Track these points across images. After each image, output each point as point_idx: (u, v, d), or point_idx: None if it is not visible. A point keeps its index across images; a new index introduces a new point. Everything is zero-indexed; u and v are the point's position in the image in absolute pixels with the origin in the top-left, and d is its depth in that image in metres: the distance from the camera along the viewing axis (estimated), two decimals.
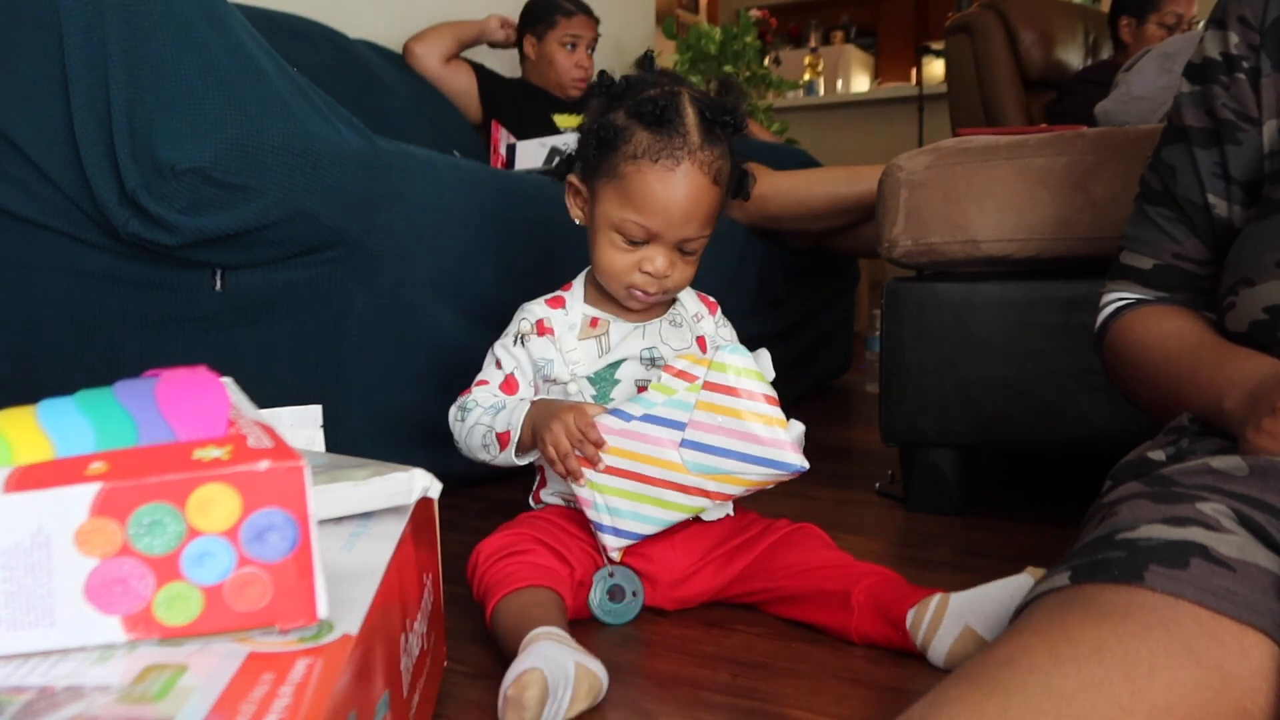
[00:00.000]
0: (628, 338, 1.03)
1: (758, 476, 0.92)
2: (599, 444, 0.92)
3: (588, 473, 0.93)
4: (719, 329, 1.11)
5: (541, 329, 1.03)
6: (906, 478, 1.42)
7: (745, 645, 0.92)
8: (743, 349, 0.92)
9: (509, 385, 1.03)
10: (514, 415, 0.97)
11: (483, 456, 1.00)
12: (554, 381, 1.02)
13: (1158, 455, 0.76)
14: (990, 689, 0.50)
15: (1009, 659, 0.52)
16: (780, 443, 0.89)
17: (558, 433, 0.92)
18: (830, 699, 0.80)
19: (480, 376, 1.04)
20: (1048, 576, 0.61)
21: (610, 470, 0.93)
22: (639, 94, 0.96)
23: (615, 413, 0.93)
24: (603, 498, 0.94)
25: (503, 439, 0.97)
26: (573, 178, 1.03)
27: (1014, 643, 0.54)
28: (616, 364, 1.02)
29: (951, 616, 0.83)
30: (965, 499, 1.39)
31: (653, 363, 1.02)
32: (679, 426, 0.91)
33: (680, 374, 0.92)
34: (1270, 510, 0.58)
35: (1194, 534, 0.56)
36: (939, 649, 0.84)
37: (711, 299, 1.12)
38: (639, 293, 0.99)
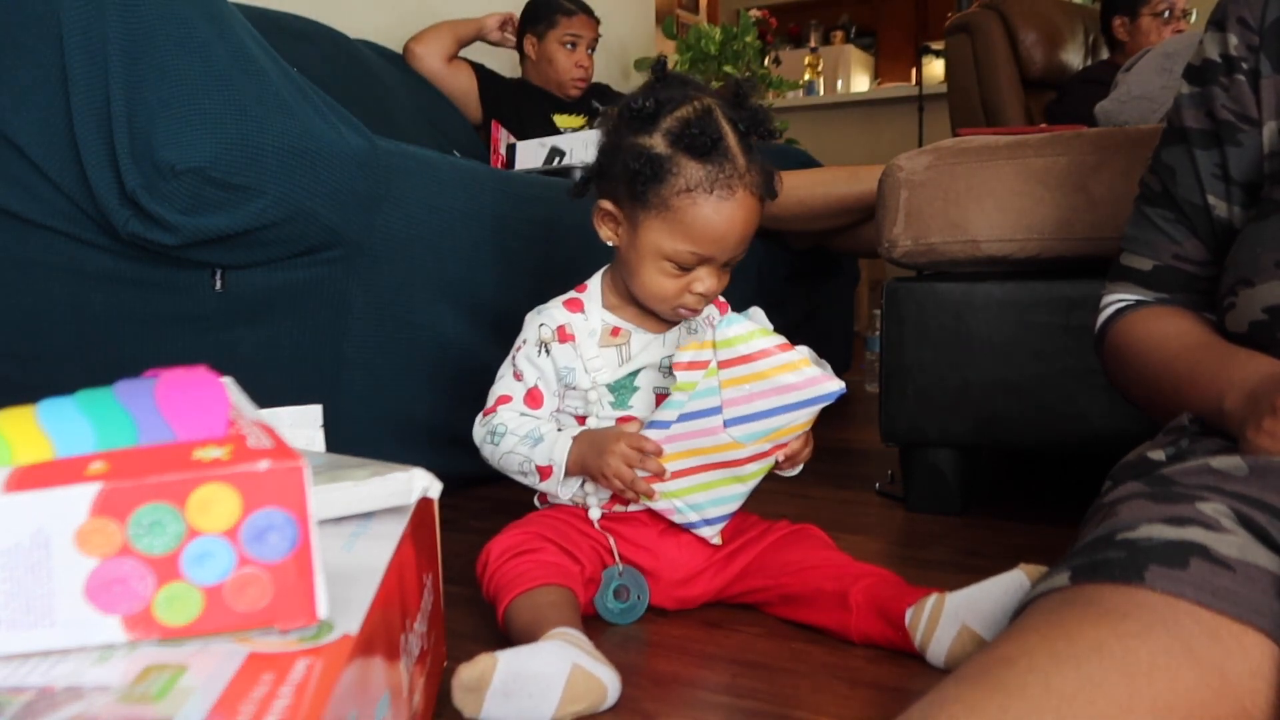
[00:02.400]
0: (648, 347, 1.02)
1: (807, 416, 0.93)
2: (658, 453, 0.92)
3: (657, 486, 0.94)
4: None
5: (563, 335, 1.00)
6: (906, 478, 1.42)
7: (745, 645, 0.92)
8: (736, 316, 0.93)
9: (533, 399, 1.01)
10: (555, 451, 0.96)
11: (518, 479, 1.00)
12: (575, 388, 1.00)
13: (1158, 455, 0.76)
14: (990, 689, 0.50)
15: (1009, 658, 0.52)
16: (814, 379, 0.90)
17: (617, 465, 0.92)
18: (830, 699, 0.80)
19: (500, 391, 1.02)
20: (1047, 576, 0.61)
21: (675, 475, 0.94)
22: (671, 114, 0.93)
23: (653, 426, 0.94)
24: (681, 500, 0.96)
25: (544, 471, 0.97)
26: (606, 204, 0.98)
27: (1014, 642, 0.54)
28: (635, 372, 1.01)
29: (949, 616, 0.83)
30: (965, 499, 1.39)
31: (670, 371, 1.01)
32: (716, 412, 0.92)
33: (691, 365, 0.93)
34: (1270, 510, 0.58)
35: (1194, 534, 0.56)
36: (938, 649, 0.84)
37: (722, 298, 1.11)
38: (686, 311, 0.99)
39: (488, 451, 1.01)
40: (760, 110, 0.96)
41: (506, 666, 0.73)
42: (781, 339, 0.91)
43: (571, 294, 1.04)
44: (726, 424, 0.92)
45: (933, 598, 0.85)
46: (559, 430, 0.99)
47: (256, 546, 0.48)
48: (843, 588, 0.90)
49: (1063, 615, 0.55)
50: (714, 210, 0.92)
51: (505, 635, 0.87)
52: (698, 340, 0.95)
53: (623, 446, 0.92)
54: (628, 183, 0.94)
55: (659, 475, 0.94)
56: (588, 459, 0.94)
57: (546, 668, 0.74)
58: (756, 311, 0.96)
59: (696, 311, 1.00)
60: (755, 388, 0.91)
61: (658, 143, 0.93)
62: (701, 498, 0.96)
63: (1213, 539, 0.56)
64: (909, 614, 0.86)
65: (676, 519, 0.97)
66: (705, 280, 0.96)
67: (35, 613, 0.47)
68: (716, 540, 0.99)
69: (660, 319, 1.02)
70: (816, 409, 0.93)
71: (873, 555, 1.17)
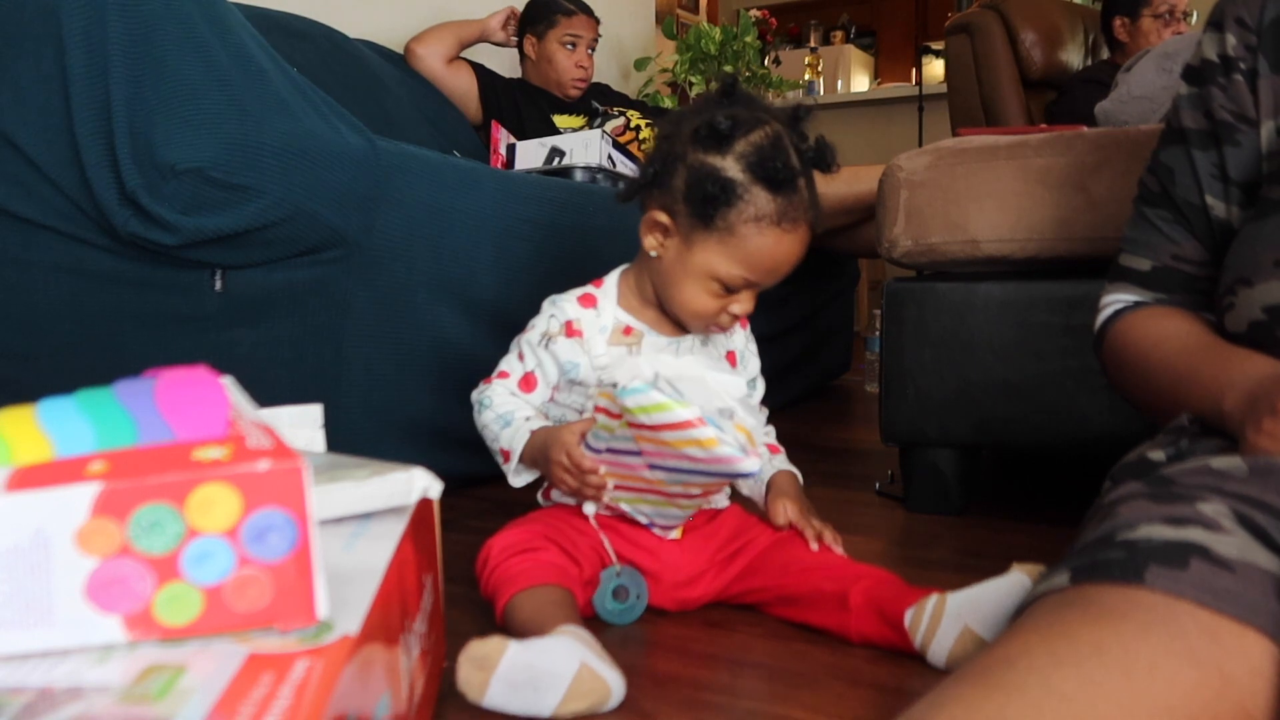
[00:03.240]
0: (659, 353, 1.01)
1: (726, 478, 0.90)
2: (594, 471, 0.92)
3: (606, 492, 0.94)
4: (748, 343, 1.11)
5: (570, 330, 1.01)
6: (906, 478, 1.42)
7: (745, 645, 0.92)
8: (642, 385, 0.84)
9: (527, 383, 1.03)
10: (515, 439, 0.98)
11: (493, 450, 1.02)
12: (579, 384, 1.01)
13: (1157, 455, 0.76)
14: (990, 689, 0.50)
15: (1008, 659, 0.52)
16: (723, 459, 0.84)
17: (559, 474, 0.93)
18: (830, 699, 0.80)
19: (504, 366, 1.04)
20: (1047, 577, 0.61)
21: (618, 487, 0.94)
22: (745, 137, 0.92)
23: (587, 445, 0.92)
24: (630, 505, 0.96)
25: (504, 454, 0.99)
26: (662, 216, 0.97)
27: (1013, 643, 0.54)
28: None
29: (950, 617, 0.83)
30: (965, 499, 1.39)
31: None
32: (637, 453, 0.89)
33: (606, 412, 0.88)
34: (1270, 511, 0.58)
35: (1194, 534, 0.56)
36: (939, 650, 0.84)
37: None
38: (717, 329, 1.00)
39: (475, 417, 1.03)
40: (824, 144, 0.96)
41: (515, 656, 0.73)
42: (692, 413, 0.82)
43: (588, 288, 1.04)
44: (649, 465, 0.90)
45: (933, 598, 0.85)
46: (527, 418, 1.00)
47: (256, 547, 0.48)
48: (842, 589, 0.90)
49: (1063, 615, 0.55)
50: (776, 241, 0.93)
51: (504, 631, 0.87)
52: (702, 348, 0.95)
53: (563, 459, 0.92)
54: (694, 201, 0.93)
55: (599, 488, 0.93)
56: (538, 459, 0.96)
57: (555, 663, 0.74)
58: (683, 366, 0.90)
59: (726, 329, 1.01)
60: (665, 449, 0.86)
61: (730, 166, 0.92)
62: (647, 508, 0.96)
63: (1213, 539, 0.56)
64: (909, 615, 0.85)
65: (635, 517, 0.97)
66: (745, 303, 0.98)
67: (35, 613, 0.47)
68: (675, 535, 0.99)
69: (668, 320, 1.03)
70: (733, 476, 0.88)
71: (873, 555, 1.17)
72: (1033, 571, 0.82)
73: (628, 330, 1.02)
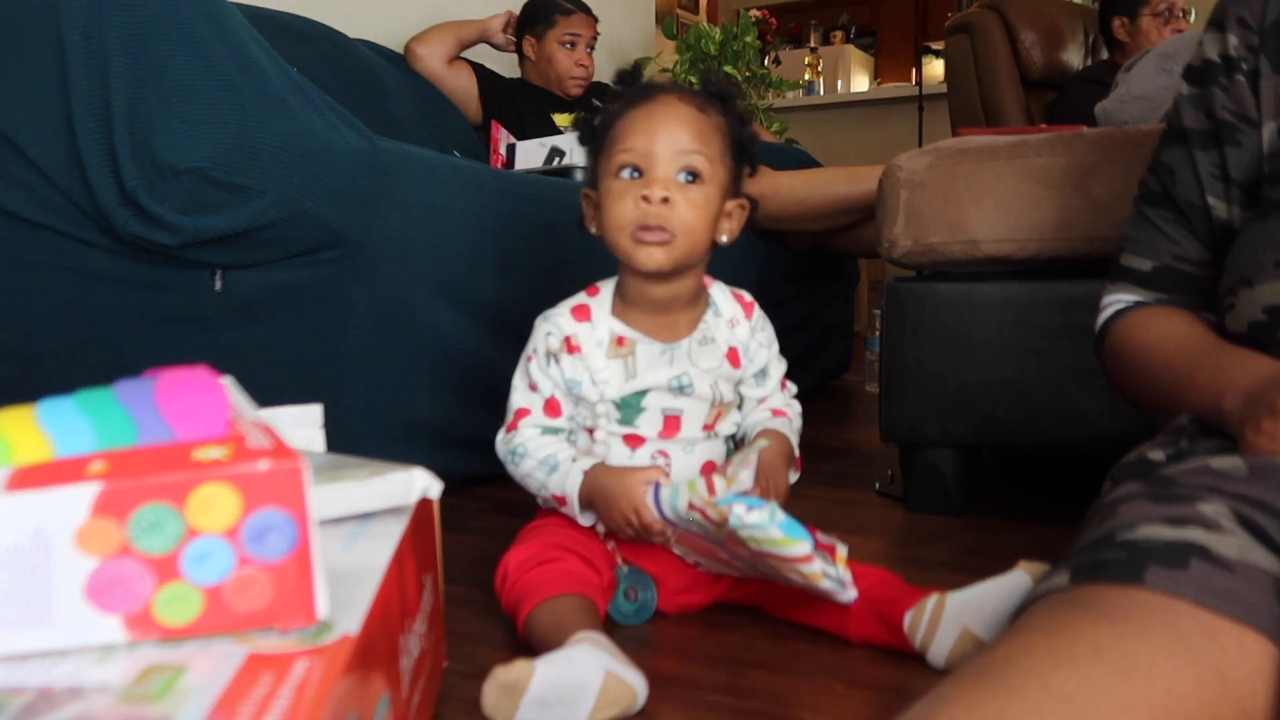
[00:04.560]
0: (654, 364, 0.98)
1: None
2: (662, 533, 0.91)
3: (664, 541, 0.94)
4: (755, 334, 1.04)
5: (570, 347, 0.98)
6: (906, 478, 1.42)
7: (745, 645, 0.92)
8: (760, 520, 0.80)
9: (551, 409, 0.99)
10: (568, 484, 0.95)
11: (544, 500, 1.00)
12: (583, 400, 0.98)
13: (1157, 455, 0.76)
14: (990, 689, 0.50)
15: (1009, 659, 0.52)
16: (821, 591, 0.85)
17: (621, 525, 0.92)
18: (830, 699, 0.80)
19: (518, 404, 1.00)
20: (1047, 577, 0.61)
21: (678, 543, 0.94)
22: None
23: (659, 509, 0.89)
24: (682, 552, 0.96)
25: (559, 500, 0.96)
26: (587, 191, 1.01)
27: (1013, 643, 0.54)
28: (643, 393, 0.98)
29: (949, 618, 0.83)
30: (965, 499, 1.39)
31: (681, 390, 0.98)
32: (720, 543, 0.88)
33: (703, 514, 0.84)
34: (1270, 511, 0.58)
35: (1194, 534, 0.56)
36: (939, 652, 0.83)
37: (748, 298, 1.06)
38: (647, 234, 0.93)
39: (510, 469, 1.00)
40: (717, 82, 1.02)
41: (544, 675, 0.72)
42: (804, 550, 0.80)
43: (581, 298, 1.01)
44: (729, 555, 0.90)
45: (933, 599, 0.85)
46: (573, 458, 0.96)
47: (256, 547, 0.48)
48: None
49: (1062, 616, 0.55)
50: (640, 112, 0.96)
51: (525, 644, 0.87)
52: (700, 349, 0.95)
53: (625, 511, 0.90)
54: (589, 146, 1.01)
55: (661, 541, 0.93)
56: (596, 503, 0.94)
57: (581, 674, 0.73)
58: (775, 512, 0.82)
59: (655, 231, 0.93)
60: (760, 558, 0.84)
61: (608, 109, 1.00)
62: (699, 559, 0.96)
63: (1213, 539, 0.56)
64: (908, 617, 0.85)
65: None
66: (652, 186, 0.92)
67: (35, 613, 0.47)
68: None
69: (676, 326, 1.00)
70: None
71: (873, 555, 1.17)
72: (1036, 570, 0.82)
73: (621, 341, 0.99)
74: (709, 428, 1.01)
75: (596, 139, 0.99)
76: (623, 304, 1.00)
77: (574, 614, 0.85)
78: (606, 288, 1.02)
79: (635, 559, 0.97)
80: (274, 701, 0.43)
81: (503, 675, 0.72)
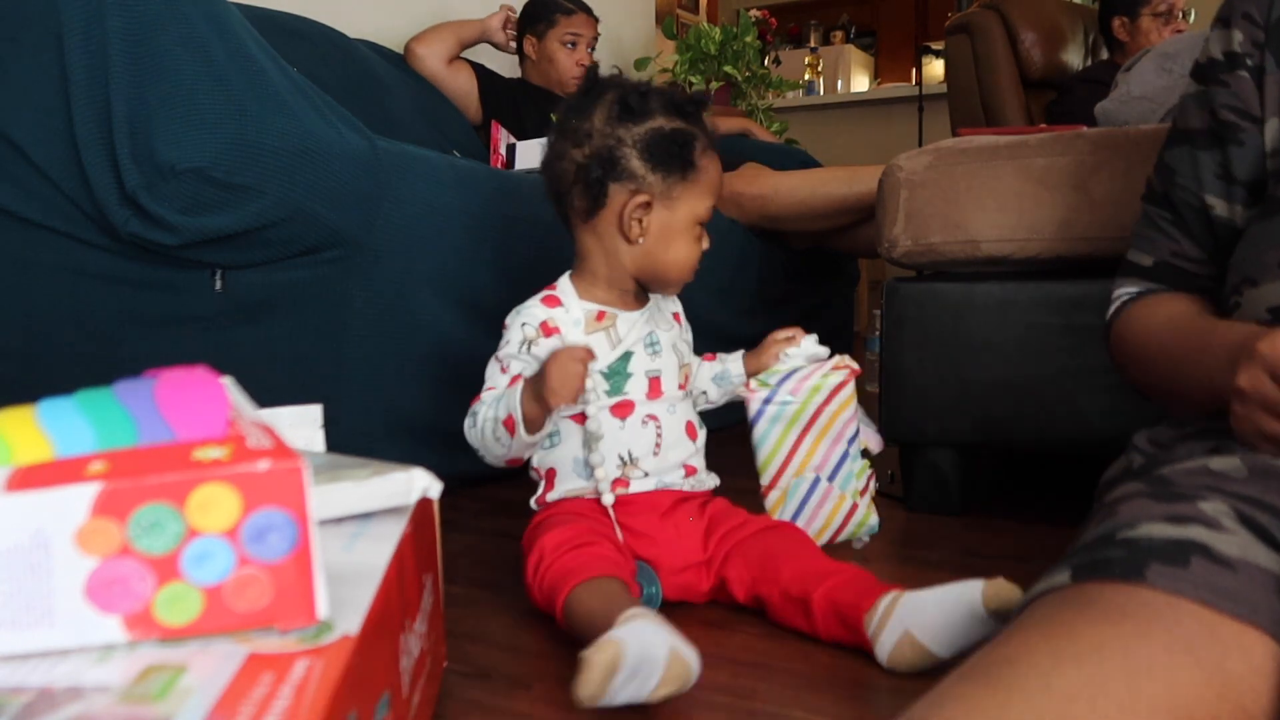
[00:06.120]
0: (634, 327, 1.05)
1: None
2: (589, 357, 0.94)
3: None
4: (675, 300, 1.16)
5: (547, 330, 1.02)
6: (906, 478, 1.42)
7: (745, 645, 0.92)
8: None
9: (514, 384, 1.01)
10: (510, 397, 0.96)
11: (500, 452, 0.99)
12: None
13: (1137, 461, 0.76)
14: (991, 687, 0.50)
15: (1010, 657, 0.52)
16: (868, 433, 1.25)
17: (570, 377, 0.91)
18: (830, 699, 0.80)
19: (486, 385, 1.03)
20: (1048, 575, 0.61)
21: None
22: (655, 95, 1.03)
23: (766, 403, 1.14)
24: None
25: (509, 425, 0.96)
26: (641, 197, 1.01)
27: (1015, 641, 0.54)
28: (627, 356, 1.03)
29: (896, 619, 0.84)
30: (965, 499, 1.39)
31: (653, 346, 1.05)
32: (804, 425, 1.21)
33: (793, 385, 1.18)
34: (1271, 510, 0.58)
35: (1195, 533, 0.56)
36: (881, 651, 0.84)
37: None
38: (691, 276, 1.06)
39: (472, 438, 1.01)
40: (684, 93, 1.08)
41: (631, 648, 0.72)
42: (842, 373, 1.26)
43: (545, 291, 1.07)
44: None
45: (888, 597, 0.86)
46: (509, 387, 0.99)
47: (256, 546, 0.48)
48: (805, 592, 0.91)
49: (1064, 614, 0.55)
50: (715, 164, 1.04)
51: (563, 625, 0.87)
52: (659, 313, 1.09)
53: (564, 360, 0.91)
54: (667, 162, 1.00)
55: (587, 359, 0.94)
56: (535, 388, 0.93)
57: (650, 649, 0.73)
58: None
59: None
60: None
61: (664, 121, 1.01)
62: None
63: (1214, 538, 0.56)
64: (867, 617, 0.86)
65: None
66: (704, 236, 1.05)
67: (35, 613, 0.47)
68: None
69: (639, 297, 1.07)
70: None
71: (873, 555, 1.17)
72: (1003, 590, 0.81)
73: (600, 316, 1.04)
74: (682, 387, 1.08)
75: (679, 143, 1.01)
76: (588, 288, 1.06)
77: (620, 594, 0.86)
78: (563, 281, 1.08)
79: (634, 545, 0.99)
80: (274, 701, 0.43)
81: (598, 655, 0.71)
